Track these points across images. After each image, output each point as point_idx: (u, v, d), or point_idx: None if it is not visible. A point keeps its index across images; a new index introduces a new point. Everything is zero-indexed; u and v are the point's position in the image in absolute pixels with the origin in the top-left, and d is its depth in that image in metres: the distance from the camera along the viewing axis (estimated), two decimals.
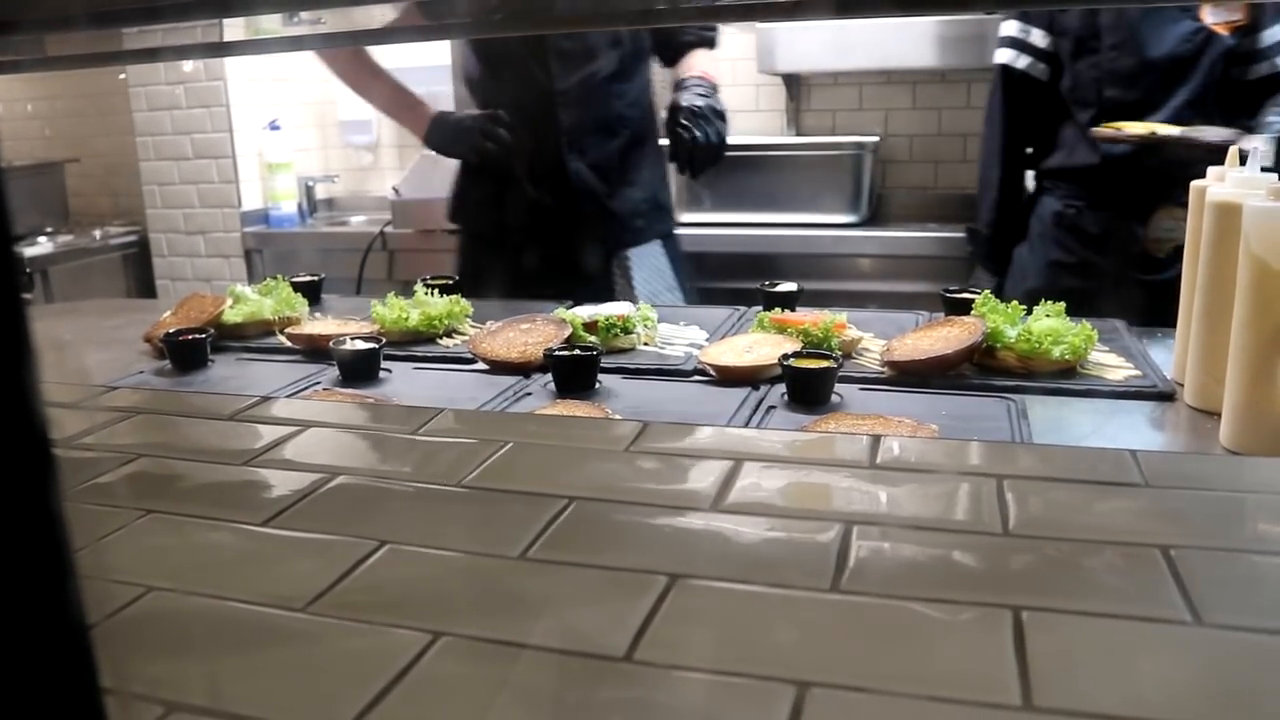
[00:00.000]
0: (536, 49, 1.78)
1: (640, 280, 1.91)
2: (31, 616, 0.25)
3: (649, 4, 1.18)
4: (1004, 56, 2.04)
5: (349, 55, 1.89)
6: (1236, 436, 0.92)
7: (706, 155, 1.72)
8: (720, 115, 1.72)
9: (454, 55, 2.05)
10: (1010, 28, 2.03)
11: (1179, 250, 2.06)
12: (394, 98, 1.89)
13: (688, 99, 1.70)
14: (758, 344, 1.25)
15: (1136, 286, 1.95)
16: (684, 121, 1.68)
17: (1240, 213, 0.92)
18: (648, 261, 1.95)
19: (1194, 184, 1.11)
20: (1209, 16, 1.92)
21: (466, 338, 1.40)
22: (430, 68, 2.77)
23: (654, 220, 1.95)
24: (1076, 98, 2.00)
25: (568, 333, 1.31)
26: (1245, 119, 1.96)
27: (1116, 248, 2.05)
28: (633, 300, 1.77)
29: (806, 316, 1.31)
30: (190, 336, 1.34)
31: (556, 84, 1.79)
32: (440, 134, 1.83)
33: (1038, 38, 1.99)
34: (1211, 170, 1.10)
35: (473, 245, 1.99)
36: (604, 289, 1.85)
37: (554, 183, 1.83)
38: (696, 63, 1.84)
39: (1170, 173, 1.88)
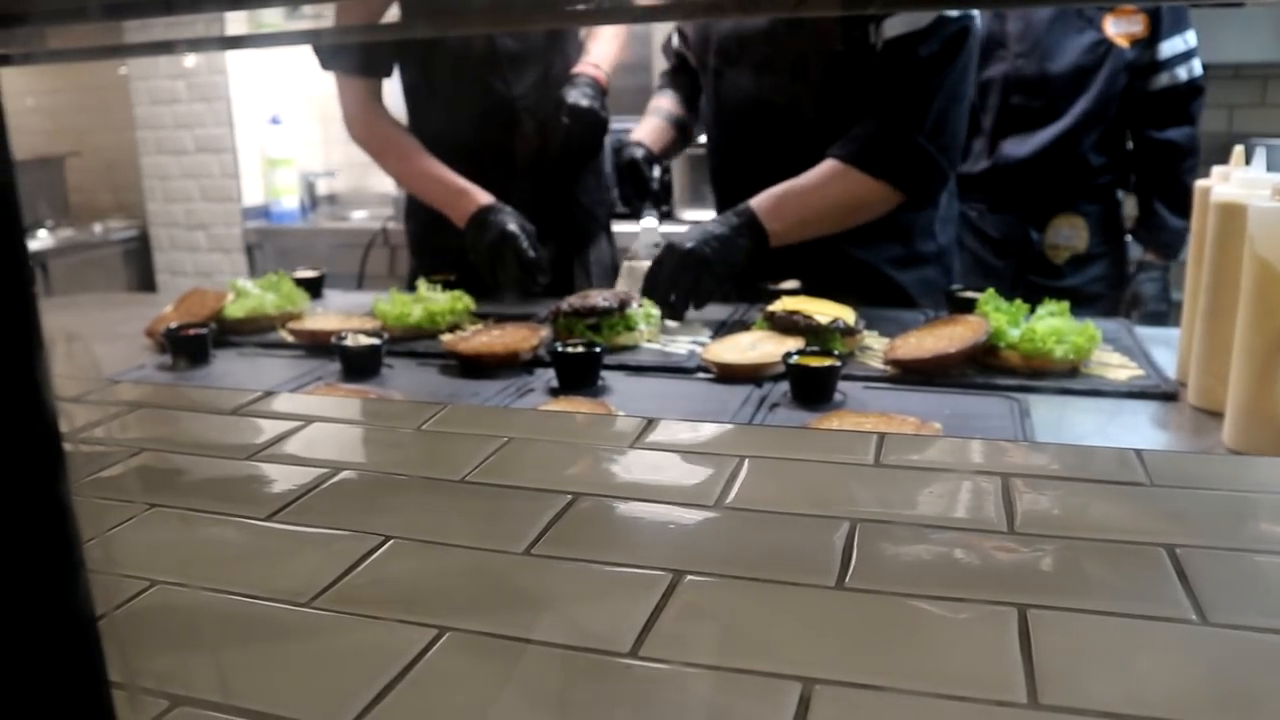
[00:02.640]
0: (488, 55, 1.71)
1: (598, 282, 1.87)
2: (41, 608, 0.25)
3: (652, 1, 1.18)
4: None
5: (361, 115, 1.74)
6: (1240, 436, 0.92)
7: (571, 155, 1.74)
8: (598, 123, 1.70)
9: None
10: None
11: (1078, 259, 2.15)
12: (435, 186, 1.70)
13: (574, 97, 1.68)
14: (761, 341, 1.25)
15: (1036, 291, 2.03)
16: (564, 119, 1.67)
17: (1245, 213, 0.92)
18: (602, 260, 1.93)
19: (1198, 184, 1.11)
20: (1110, 29, 1.98)
21: (466, 334, 1.40)
22: None
23: (606, 212, 1.95)
24: (981, 104, 2.04)
25: (541, 332, 1.32)
26: (1148, 128, 2.04)
27: (1014, 252, 2.11)
28: None
29: (814, 304, 1.31)
30: (192, 331, 1.34)
31: (514, 89, 1.74)
32: (474, 236, 1.60)
33: None
34: (1216, 169, 1.10)
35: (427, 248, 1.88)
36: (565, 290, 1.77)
37: (525, 191, 1.75)
38: (592, 48, 1.80)
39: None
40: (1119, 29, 1.99)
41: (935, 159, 1.47)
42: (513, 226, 1.57)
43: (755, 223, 1.45)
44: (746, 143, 1.63)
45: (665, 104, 1.80)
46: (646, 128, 1.76)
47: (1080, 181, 2.08)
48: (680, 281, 1.41)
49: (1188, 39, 1.99)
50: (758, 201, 1.47)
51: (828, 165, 1.48)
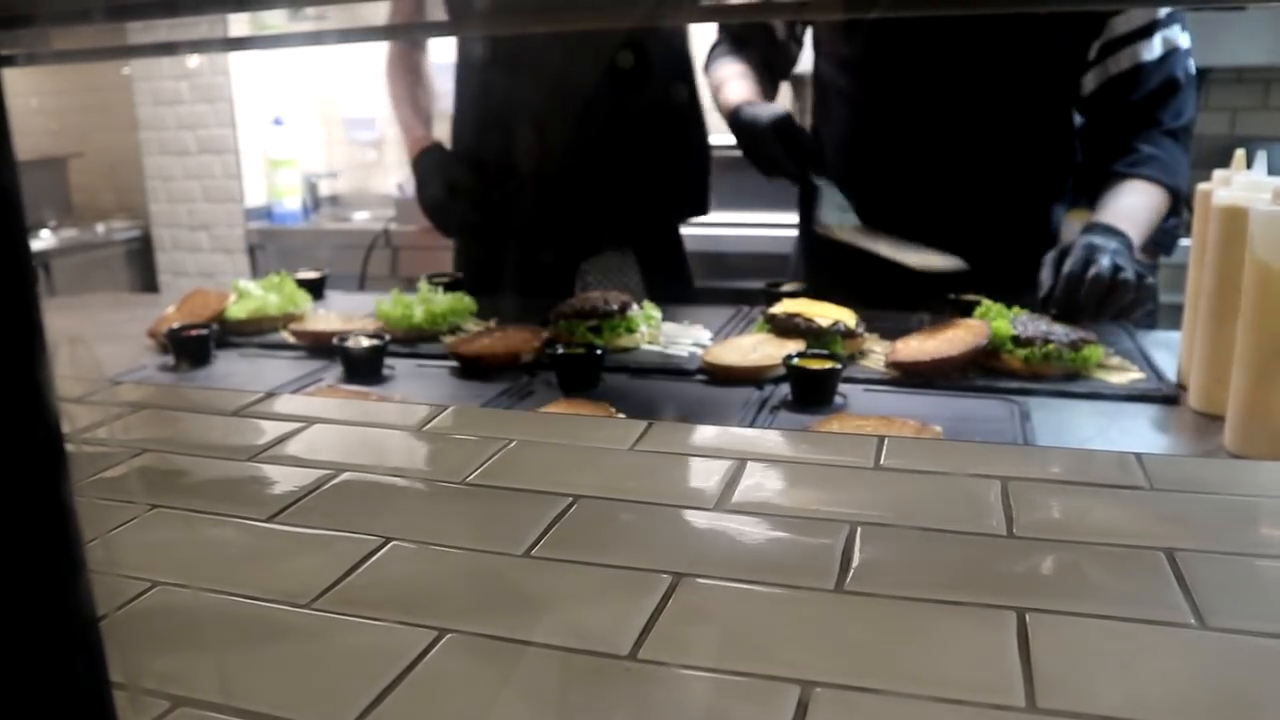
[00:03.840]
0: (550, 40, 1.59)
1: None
2: (43, 609, 0.26)
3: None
4: None
5: (396, 53, 1.78)
6: (1240, 440, 0.92)
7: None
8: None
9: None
10: None
11: None
12: (403, 110, 1.77)
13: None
14: (761, 344, 1.25)
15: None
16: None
17: (1246, 217, 0.92)
18: (609, 270, 1.76)
19: (1200, 187, 1.11)
20: None
21: (467, 335, 1.40)
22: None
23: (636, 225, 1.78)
24: None
25: (543, 335, 1.32)
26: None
27: None
28: None
29: (815, 306, 1.31)
30: (194, 332, 1.34)
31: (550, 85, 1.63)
32: (420, 172, 1.70)
33: None
34: (1217, 173, 1.10)
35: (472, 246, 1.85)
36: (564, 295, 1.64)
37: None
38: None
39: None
40: None
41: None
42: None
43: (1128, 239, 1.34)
44: (884, 164, 1.51)
45: (740, 68, 1.59)
46: (745, 89, 1.53)
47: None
48: (1115, 299, 1.26)
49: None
50: (1108, 218, 1.36)
51: (1139, 184, 1.43)
